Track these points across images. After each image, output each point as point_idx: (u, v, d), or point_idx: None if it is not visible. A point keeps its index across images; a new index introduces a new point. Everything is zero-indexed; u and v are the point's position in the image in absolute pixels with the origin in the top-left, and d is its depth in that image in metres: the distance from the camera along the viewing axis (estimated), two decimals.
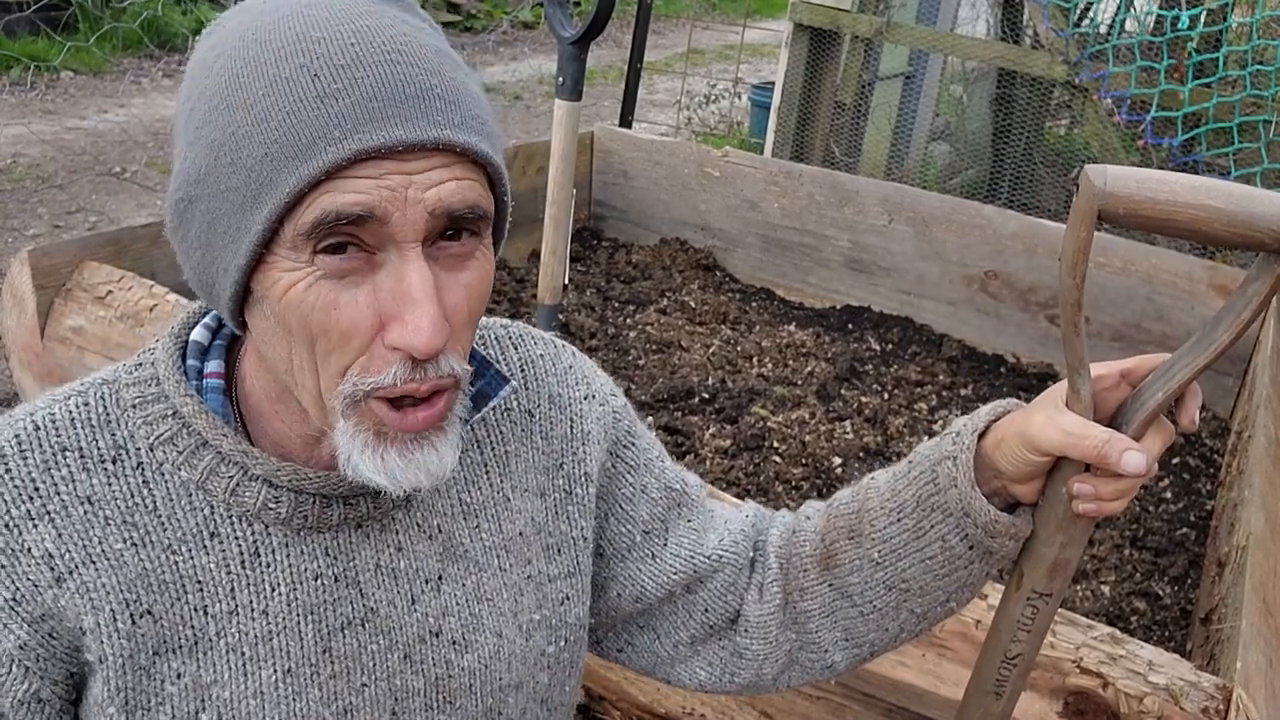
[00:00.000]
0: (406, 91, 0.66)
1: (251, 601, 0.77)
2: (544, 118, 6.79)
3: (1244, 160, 3.28)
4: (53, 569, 0.72)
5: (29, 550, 0.72)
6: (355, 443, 0.71)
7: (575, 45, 2.22)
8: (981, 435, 0.84)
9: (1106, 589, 2.06)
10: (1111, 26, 3.72)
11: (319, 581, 0.79)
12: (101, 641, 0.73)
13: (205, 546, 0.76)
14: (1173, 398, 0.77)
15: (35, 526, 0.72)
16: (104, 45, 6.44)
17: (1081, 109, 3.71)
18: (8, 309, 1.99)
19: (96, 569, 0.73)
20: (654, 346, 2.83)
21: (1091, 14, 3.73)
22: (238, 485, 0.76)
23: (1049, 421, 0.78)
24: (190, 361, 0.79)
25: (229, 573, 0.76)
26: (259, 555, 0.77)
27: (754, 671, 0.98)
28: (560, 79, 2.27)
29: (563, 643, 0.93)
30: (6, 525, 0.72)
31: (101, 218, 4.47)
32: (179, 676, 0.75)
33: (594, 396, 0.96)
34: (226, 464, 0.76)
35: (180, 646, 0.75)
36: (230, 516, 0.76)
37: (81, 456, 0.74)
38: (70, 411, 0.76)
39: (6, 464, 0.73)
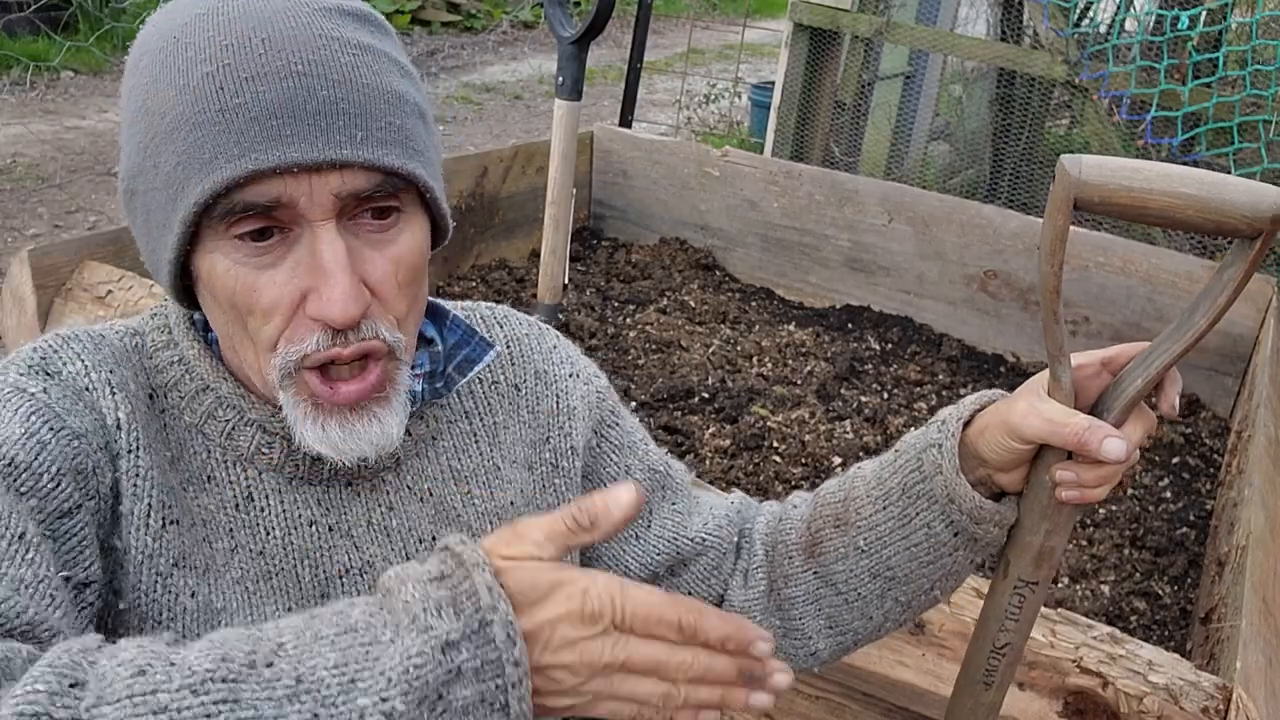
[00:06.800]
0: (308, 108, 0.68)
1: (249, 542, 0.79)
2: (544, 118, 6.79)
3: (1244, 160, 3.27)
4: (116, 441, 0.73)
5: (102, 413, 0.74)
6: (297, 413, 0.74)
7: (575, 45, 2.22)
8: (966, 424, 0.85)
9: (1106, 589, 2.06)
10: (1111, 26, 3.71)
11: (313, 528, 0.81)
12: (131, 531, 0.74)
13: (205, 489, 0.78)
14: (1152, 384, 0.78)
15: (113, 395, 0.74)
16: (104, 45, 6.44)
17: (1081, 109, 3.70)
18: (8, 309, 1.99)
19: (150, 460, 0.75)
20: (654, 346, 2.83)
21: (1091, 14, 3.72)
22: (234, 429, 0.78)
23: (1031, 409, 0.79)
24: (198, 315, 0.82)
25: (226, 514, 0.78)
26: (253, 499, 0.79)
27: None
28: (560, 79, 2.27)
29: None
30: (89, 386, 0.74)
31: (101, 217, 4.47)
32: (193, 595, 0.76)
33: (578, 375, 0.97)
34: (224, 407, 0.78)
35: (195, 566, 0.77)
36: (226, 461, 0.79)
37: (135, 374, 0.78)
38: (123, 341, 0.80)
39: (101, 338, 0.77)
